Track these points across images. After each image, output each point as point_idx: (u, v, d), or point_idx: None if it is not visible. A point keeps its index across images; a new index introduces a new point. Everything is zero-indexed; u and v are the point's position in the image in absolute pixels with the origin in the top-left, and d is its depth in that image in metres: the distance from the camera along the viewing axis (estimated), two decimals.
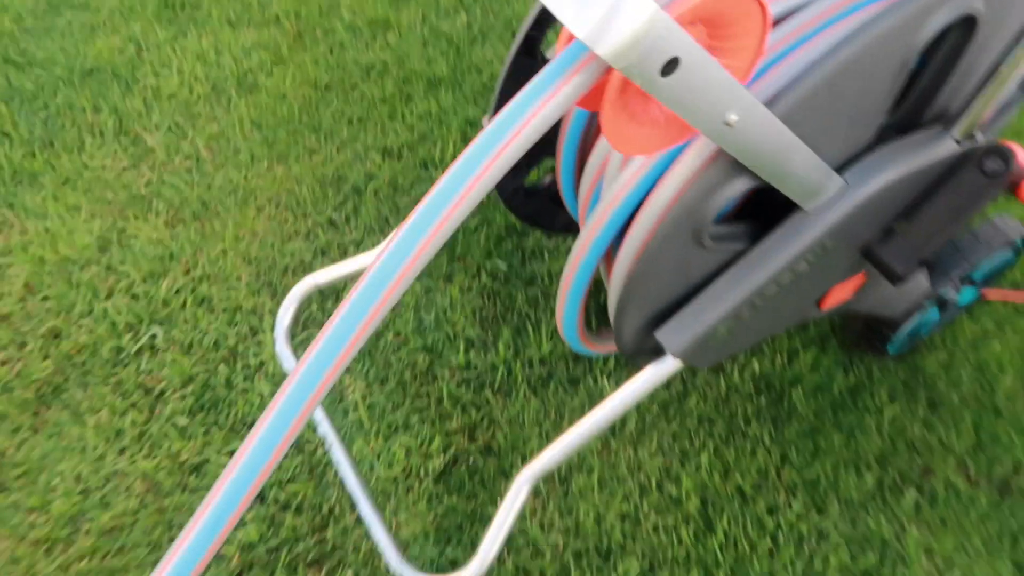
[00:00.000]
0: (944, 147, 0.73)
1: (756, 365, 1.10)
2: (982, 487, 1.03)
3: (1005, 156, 0.72)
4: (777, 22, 0.70)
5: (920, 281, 0.96)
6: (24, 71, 1.42)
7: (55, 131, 1.32)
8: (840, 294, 0.91)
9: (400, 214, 1.26)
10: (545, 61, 0.84)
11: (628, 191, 0.71)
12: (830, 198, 0.72)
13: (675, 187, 0.66)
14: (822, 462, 1.02)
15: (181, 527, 0.91)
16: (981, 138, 0.75)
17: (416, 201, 1.18)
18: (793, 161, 0.63)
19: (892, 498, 1.00)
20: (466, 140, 1.30)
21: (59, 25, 1.54)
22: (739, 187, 0.66)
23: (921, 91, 0.72)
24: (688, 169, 0.65)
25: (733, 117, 0.55)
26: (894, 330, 1.03)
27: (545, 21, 0.85)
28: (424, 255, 0.50)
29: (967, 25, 0.66)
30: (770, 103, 0.61)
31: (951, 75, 0.70)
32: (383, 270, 0.50)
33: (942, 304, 1.07)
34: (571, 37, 0.55)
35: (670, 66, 0.48)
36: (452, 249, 1.21)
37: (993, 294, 1.19)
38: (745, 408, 1.06)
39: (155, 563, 0.88)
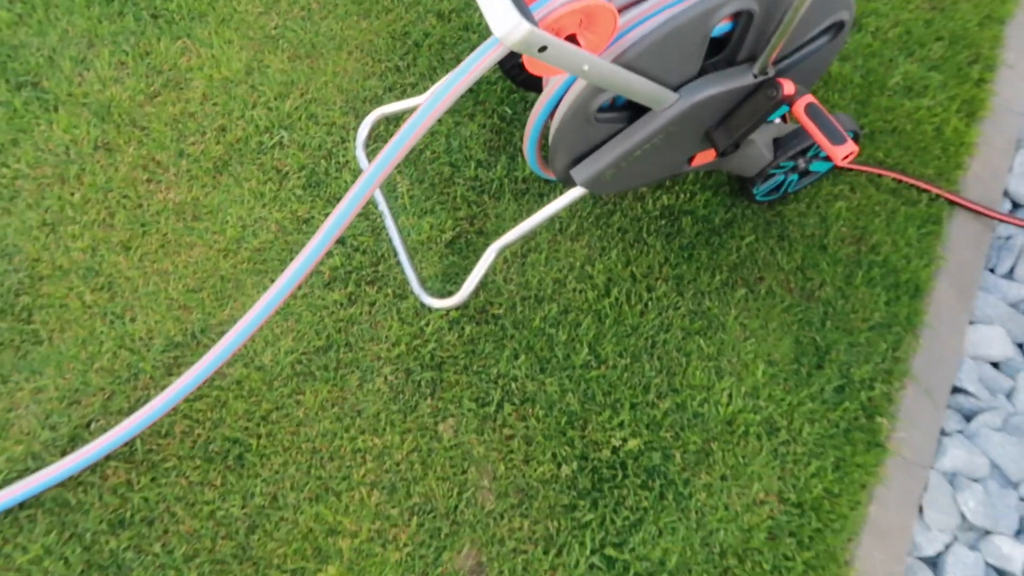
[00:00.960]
0: (744, 79, 1.23)
1: (664, 198, 1.65)
2: (793, 293, 1.59)
3: (777, 88, 1.21)
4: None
5: (763, 155, 1.46)
6: None
7: None
8: (703, 158, 1.44)
9: (445, 65, 1.79)
10: None
11: (555, 87, 1.25)
12: (671, 104, 1.23)
13: (574, 93, 1.20)
14: (690, 265, 1.60)
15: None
16: (772, 71, 1.24)
17: (458, 58, 1.71)
18: (633, 85, 1.15)
19: (729, 291, 1.58)
20: None
21: None
22: (606, 96, 1.19)
23: (731, 45, 1.20)
24: (579, 86, 1.18)
25: (586, 67, 1.07)
26: (753, 185, 1.55)
27: None
28: (416, 136, 1.06)
29: (748, 13, 1.13)
30: (622, 55, 1.12)
31: (746, 38, 1.18)
32: (395, 143, 1.07)
33: (801, 171, 1.58)
34: None
35: (543, 48, 1.01)
36: (477, 94, 1.75)
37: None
38: (650, 225, 1.63)
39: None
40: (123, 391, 1.43)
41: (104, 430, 1.38)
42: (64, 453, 1.38)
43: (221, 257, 1.55)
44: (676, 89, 1.22)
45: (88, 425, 1.41)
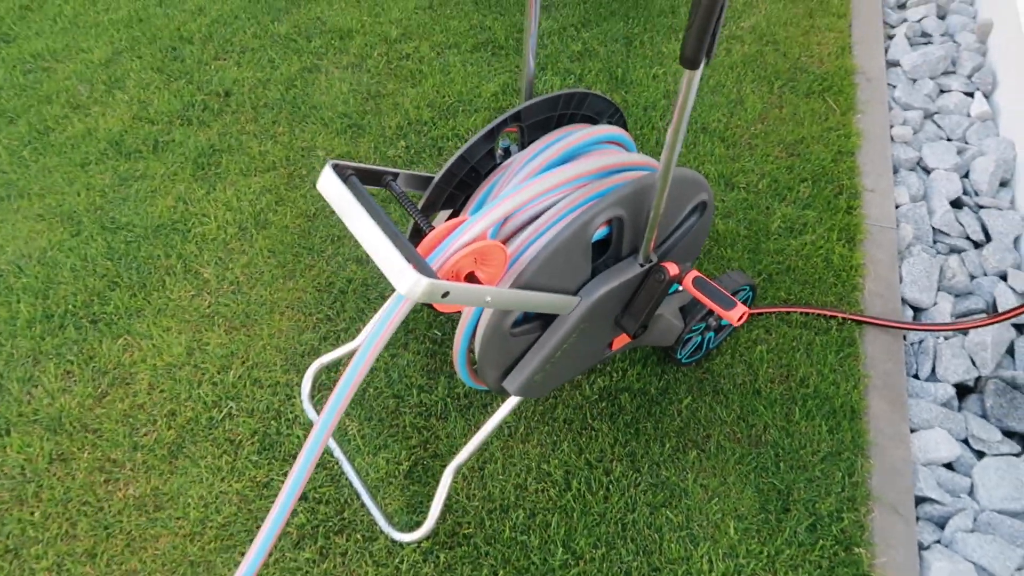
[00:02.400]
0: (632, 270, 1.37)
1: (600, 381, 1.74)
2: (741, 443, 1.66)
3: (663, 271, 1.35)
4: (533, 218, 1.34)
5: (674, 324, 1.59)
6: (116, 234, 2.11)
7: (145, 276, 2.01)
8: (621, 342, 1.55)
9: (371, 305, 1.91)
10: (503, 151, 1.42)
11: (471, 312, 1.36)
12: (574, 306, 1.35)
13: (487, 317, 1.31)
14: (639, 440, 1.66)
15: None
16: (654, 257, 1.38)
17: (382, 297, 1.84)
18: (534, 301, 1.27)
19: (681, 456, 1.64)
20: None
21: (131, 194, 2.22)
22: (515, 314, 1.31)
23: (613, 245, 1.35)
24: (489, 311, 1.30)
25: (488, 298, 1.19)
26: (675, 352, 1.66)
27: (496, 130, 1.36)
28: (352, 389, 1.15)
29: (618, 219, 1.29)
30: (518, 278, 1.25)
31: (623, 237, 1.33)
32: (336, 398, 1.15)
33: (714, 328, 1.70)
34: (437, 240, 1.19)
35: (446, 295, 1.12)
36: (407, 324, 1.87)
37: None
38: (592, 410, 1.70)
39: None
40: None
41: None
42: None
43: (188, 542, 1.55)
44: (575, 292, 1.35)
45: None
